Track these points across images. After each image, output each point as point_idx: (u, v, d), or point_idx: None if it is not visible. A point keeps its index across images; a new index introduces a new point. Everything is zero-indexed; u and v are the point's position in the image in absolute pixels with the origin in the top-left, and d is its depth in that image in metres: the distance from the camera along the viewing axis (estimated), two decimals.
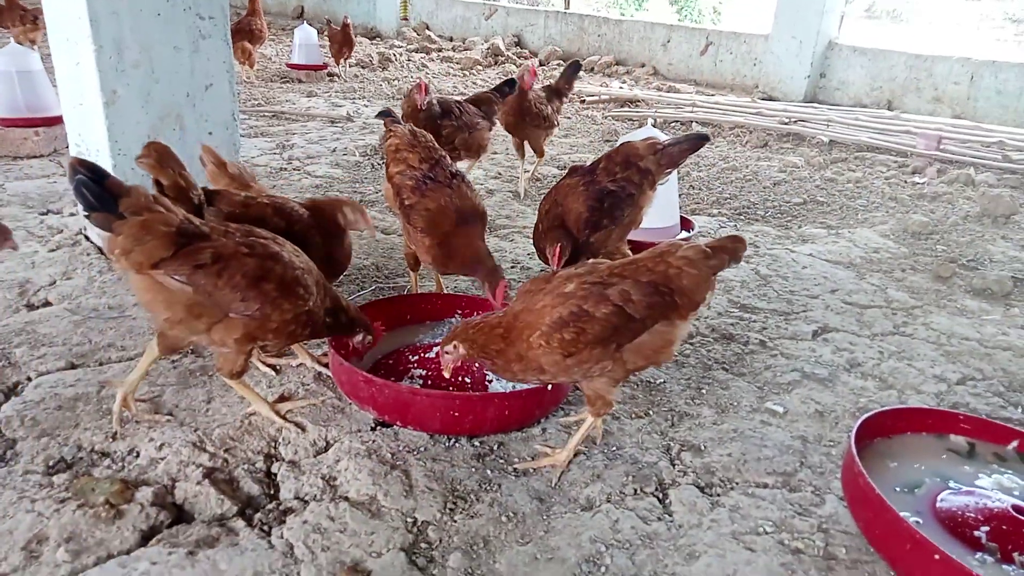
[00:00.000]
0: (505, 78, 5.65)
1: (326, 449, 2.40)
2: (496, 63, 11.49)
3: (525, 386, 2.58)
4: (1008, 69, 8.53)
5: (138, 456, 2.31)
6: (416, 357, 2.77)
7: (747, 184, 6.09)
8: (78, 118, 3.61)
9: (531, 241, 4.35)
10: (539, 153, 5.40)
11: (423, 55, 11.86)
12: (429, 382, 2.63)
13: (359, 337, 2.55)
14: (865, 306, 3.83)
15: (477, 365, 2.70)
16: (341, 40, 9.37)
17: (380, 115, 3.61)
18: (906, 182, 6.27)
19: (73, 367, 2.77)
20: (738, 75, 10.62)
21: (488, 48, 11.94)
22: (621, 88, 10.07)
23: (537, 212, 3.39)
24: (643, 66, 11.52)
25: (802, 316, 3.66)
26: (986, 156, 6.71)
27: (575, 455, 2.41)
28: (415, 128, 3.29)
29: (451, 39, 13.62)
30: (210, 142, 3.44)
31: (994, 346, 3.46)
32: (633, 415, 2.70)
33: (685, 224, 4.07)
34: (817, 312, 3.71)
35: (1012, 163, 6.50)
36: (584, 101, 9.15)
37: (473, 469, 2.32)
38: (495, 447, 2.44)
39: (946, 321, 3.70)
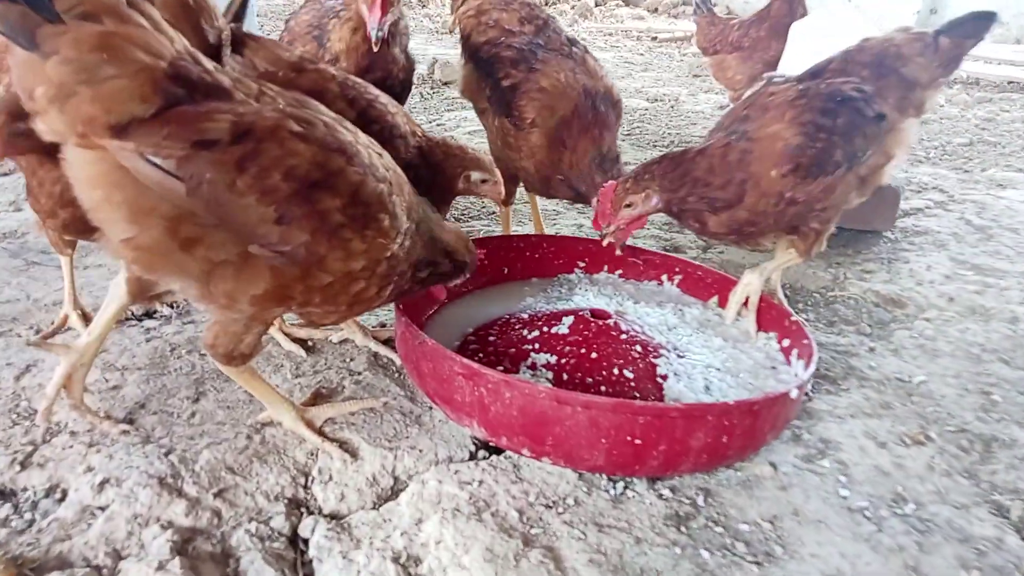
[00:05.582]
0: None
1: (395, 494, 1.34)
2: (548, 3, 10.25)
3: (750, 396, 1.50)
4: None
5: (62, 499, 1.28)
6: (534, 333, 1.66)
7: None
8: None
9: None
10: None
11: None
12: (564, 375, 1.53)
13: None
14: None
15: (647, 350, 1.62)
16: None
17: None
18: None
19: None
20: None
21: None
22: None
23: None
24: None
25: None
26: None
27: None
28: None
29: None
30: None
31: None
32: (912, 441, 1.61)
33: None
34: None
35: None
36: (656, 38, 8.02)
37: (676, 547, 1.25)
38: (699, 499, 1.36)
39: None
